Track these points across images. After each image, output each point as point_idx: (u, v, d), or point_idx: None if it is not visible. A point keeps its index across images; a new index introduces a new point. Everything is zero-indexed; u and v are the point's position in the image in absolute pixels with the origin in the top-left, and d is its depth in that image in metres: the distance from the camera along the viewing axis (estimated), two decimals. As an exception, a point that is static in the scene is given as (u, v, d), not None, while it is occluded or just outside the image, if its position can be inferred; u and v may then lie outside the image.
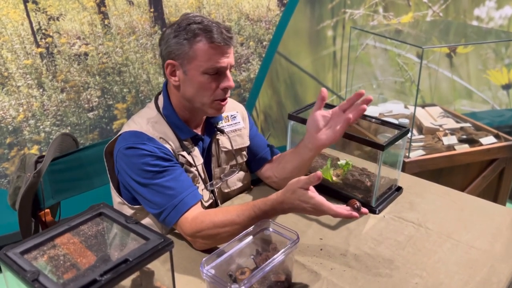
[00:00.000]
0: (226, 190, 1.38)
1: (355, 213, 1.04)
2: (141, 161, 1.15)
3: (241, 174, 1.42)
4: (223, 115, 1.37)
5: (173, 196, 1.14)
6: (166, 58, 1.19)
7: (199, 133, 1.31)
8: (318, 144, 1.21)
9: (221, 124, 1.36)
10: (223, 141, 1.35)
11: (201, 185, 1.28)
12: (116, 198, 1.29)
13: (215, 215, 1.11)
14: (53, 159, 1.41)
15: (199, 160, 1.28)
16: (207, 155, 1.32)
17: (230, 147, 1.35)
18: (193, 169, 1.25)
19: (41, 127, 2.25)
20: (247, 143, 1.41)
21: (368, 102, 1.14)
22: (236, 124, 1.39)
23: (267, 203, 1.06)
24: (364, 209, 1.06)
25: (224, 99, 1.21)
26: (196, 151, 1.28)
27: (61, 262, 0.79)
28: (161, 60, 1.23)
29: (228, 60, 1.17)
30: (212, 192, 1.34)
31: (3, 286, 0.77)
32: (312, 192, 1.02)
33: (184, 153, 1.23)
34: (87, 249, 0.82)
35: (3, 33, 2.03)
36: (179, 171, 1.18)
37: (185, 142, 1.25)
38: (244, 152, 1.41)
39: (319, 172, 0.99)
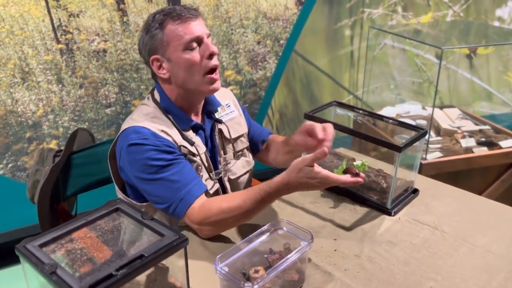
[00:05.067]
0: (233, 177, 1.39)
1: (359, 178, 1.10)
2: (145, 156, 1.16)
3: (244, 159, 1.43)
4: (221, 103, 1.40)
5: (179, 188, 1.16)
6: (148, 57, 1.22)
7: (199, 121, 1.31)
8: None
9: (219, 114, 1.38)
10: (223, 130, 1.37)
11: (205, 174, 1.28)
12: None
13: (222, 202, 1.14)
14: (71, 153, 1.44)
15: (201, 148, 1.28)
16: (210, 144, 1.34)
17: (229, 136, 1.37)
18: (196, 158, 1.26)
19: (59, 122, 2.28)
20: (245, 129, 1.44)
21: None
22: (232, 112, 1.42)
23: (272, 185, 1.09)
24: (362, 174, 1.13)
25: (214, 70, 1.22)
26: (198, 140, 1.28)
27: (78, 256, 0.80)
28: (146, 64, 1.26)
29: (201, 28, 1.19)
30: (219, 180, 1.35)
31: (22, 278, 0.79)
32: (317, 167, 1.06)
33: (186, 144, 1.24)
34: (103, 244, 0.83)
35: (24, 29, 2.07)
36: (183, 163, 1.20)
37: (186, 133, 1.26)
38: (243, 138, 1.43)
39: (325, 148, 1.03)
